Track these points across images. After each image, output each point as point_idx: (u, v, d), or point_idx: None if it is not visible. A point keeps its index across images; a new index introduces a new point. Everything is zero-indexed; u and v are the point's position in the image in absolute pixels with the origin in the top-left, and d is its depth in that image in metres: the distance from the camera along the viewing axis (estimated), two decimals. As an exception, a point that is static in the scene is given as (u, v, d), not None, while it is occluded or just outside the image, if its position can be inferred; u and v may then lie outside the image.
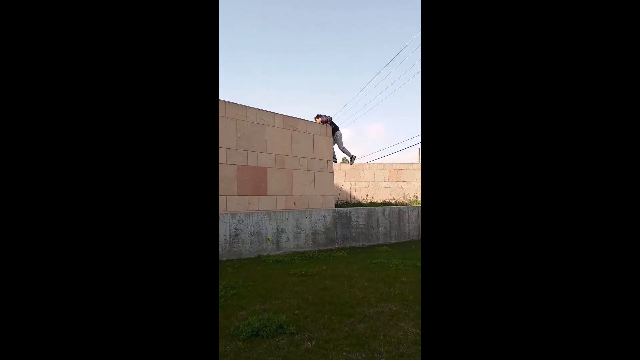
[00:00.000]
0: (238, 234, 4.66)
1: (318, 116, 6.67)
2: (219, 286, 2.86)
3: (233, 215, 4.64)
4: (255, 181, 5.10)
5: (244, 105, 5.11)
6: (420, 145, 13.10)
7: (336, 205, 7.41)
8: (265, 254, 4.82)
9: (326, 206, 6.04)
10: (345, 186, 11.29)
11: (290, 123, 5.66)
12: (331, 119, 6.68)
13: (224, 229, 4.53)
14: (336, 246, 5.61)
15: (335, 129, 6.80)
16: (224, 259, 4.44)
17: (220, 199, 4.69)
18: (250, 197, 5.01)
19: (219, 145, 4.72)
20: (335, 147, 7.02)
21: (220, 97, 4.95)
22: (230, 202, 4.79)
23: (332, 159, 6.52)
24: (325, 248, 5.45)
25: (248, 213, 4.81)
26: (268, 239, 4.94)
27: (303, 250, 5.20)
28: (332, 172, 6.29)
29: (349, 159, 7.40)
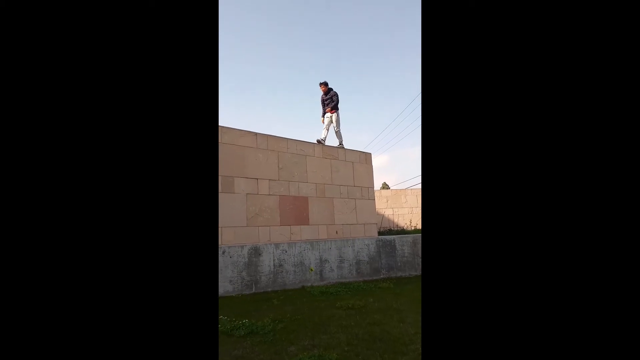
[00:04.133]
0: (282, 264, 4.66)
1: (324, 84, 6.16)
2: (267, 319, 2.84)
3: (277, 245, 4.67)
4: (297, 211, 5.14)
5: (284, 138, 5.28)
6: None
7: (379, 233, 7.23)
8: (309, 284, 4.76)
9: (369, 234, 5.91)
10: (388, 213, 11.05)
11: (330, 152, 5.73)
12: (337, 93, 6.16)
13: (268, 259, 4.57)
14: (381, 276, 5.41)
15: (336, 104, 6.16)
16: (269, 289, 4.44)
17: (264, 229, 4.76)
18: (292, 227, 5.04)
19: (262, 177, 4.86)
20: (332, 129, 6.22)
21: (258, 131, 5.16)
22: (274, 233, 4.84)
23: (340, 145, 6.08)
24: (370, 278, 5.28)
25: (291, 243, 4.83)
26: (311, 270, 4.89)
27: (347, 280, 5.08)
28: (374, 200, 6.20)
29: (337, 143, 6.30)
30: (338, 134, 6.21)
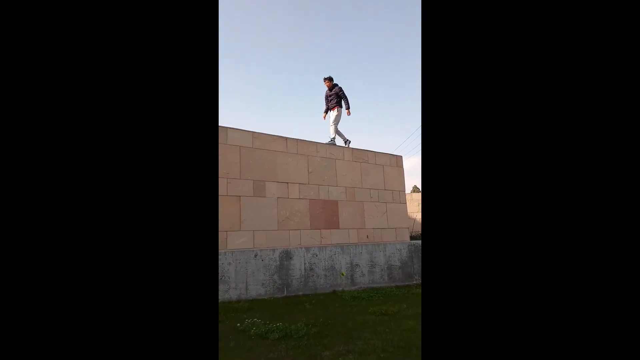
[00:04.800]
0: (312, 268, 4.66)
1: (329, 79, 5.90)
2: (301, 323, 2.84)
3: (307, 249, 4.68)
4: (327, 215, 5.13)
5: (314, 142, 5.30)
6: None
7: (411, 238, 7.08)
8: (340, 289, 4.72)
9: (401, 239, 5.79)
10: (419, 217, 10.80)
11: (359, 155, 5.68)
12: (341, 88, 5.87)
13: (299, 263, 4.58)
14: (414, 282, 5.28)
15: (341, 99, 5.83)
16: (300, 293, 4.44)
17: (294, 233, 4.79)
18: (322, 231, 5.04)
19: (292, 181, 4.90)
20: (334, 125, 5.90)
21: (289, 135, 5.20)
22: (304, 236, 4.86)
23: (331, 141, 5.69)
24: (402, 284, 5.16)
25: (321, 247, 4.82)
26: (342, 274, 4.85)
27: (379, 286, 4.99)
28: (405, 203, 6.08)
29: (343, 142, 5.96)
30: (334, 128, 5.84)
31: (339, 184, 5.35)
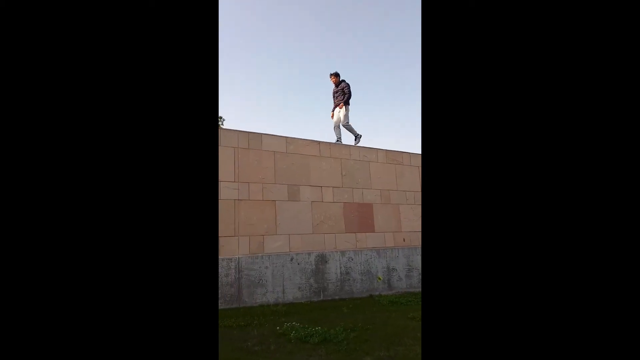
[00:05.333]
0: (348, 272, 4.62)
1: (335, 75, 5.69)
2: (339, 327, 2.82)
3: (342, 253, 4.65)
4: (362, 218, 5.08)
5: (347, 145, 5.28)
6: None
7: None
8: (377, 293, 4.64)
9: (438, 242, 5.60)
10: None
11: (394, 157, 5.59)
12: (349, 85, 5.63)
13: (335, 267, 4.56)
14: (454, 287, 5.08)
15: (349, 97, 5.58)
16: (337, 297, 4.42)
17: (329, 237, 4.78)
18: (358, 234, 4.99)
19: (326, 185, 4.90)
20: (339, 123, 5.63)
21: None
22: (339, 240, 4.83)
23: (338, 141, 5.42)
24: (442, 288, 4.97)
25: (357, 251, 4.77)
26: (379, 278, 4.77)
27: (417, 290, 4.85)
28: (442, 205, 5.88)
29: (354, 138, 5.65)
30: (348, 127, 5.59)
31: (374, 187, 5.28)
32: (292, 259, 4.31)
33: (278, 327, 2.85)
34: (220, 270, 3.86)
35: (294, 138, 4.90)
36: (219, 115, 10.96)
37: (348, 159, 5.20)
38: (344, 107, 5.59)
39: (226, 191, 4.18)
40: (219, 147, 4.26)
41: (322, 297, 4.33)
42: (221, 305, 3.74)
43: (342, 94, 5.62)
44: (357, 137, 5.61)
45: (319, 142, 5.05)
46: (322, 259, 4.48)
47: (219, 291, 3.79)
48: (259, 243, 4.27)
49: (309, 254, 4.43)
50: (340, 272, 4.59)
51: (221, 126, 8.47)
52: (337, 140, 5.53)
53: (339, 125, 5.64)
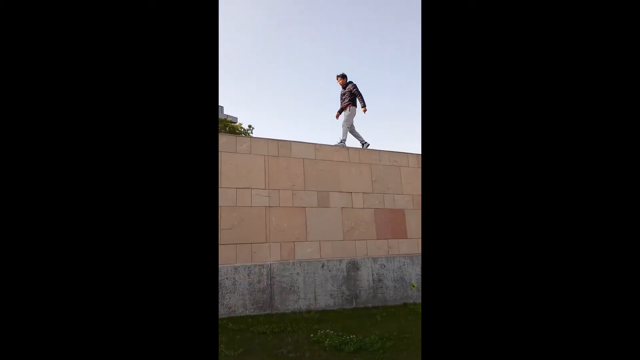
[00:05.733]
0: (381, 279, 4.52)
1: (342, 76, 5.47)
2: (374, 336, 2.75)
3: (374, 259, 4.57)
4: (394, 224, 4.97)
5: (376, 150, 5.22)
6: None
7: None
8: (412, 301, 4.50)
9: (474, 248, 5.37)
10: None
11: (425, 161, 5.45)
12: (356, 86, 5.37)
13: (367, 274, 4.48)
14: (493, 295, 4.83)
15: (354, 97, 5.34)
16: (369, 305, 4.33)
17: (360, 243, 4.71)
18: (390, 241, 4.89)
19: (356, 191, 4.85)
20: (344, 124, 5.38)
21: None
22: (371, 247, 4.76)
23: (341, 142, 5.15)
24: (480, 297, 4.75)
25: (389, 257, 4.67)
26: (413, 286, 4.63)
27: (453, 299, 4.66)
28: (477, 210, 5.65)
29: (360, 145, 5.41)
30: (353, 133, 5.40)
31: (405, 192, 5.17)
32: (323, 266, 4.28)
33: (312, 335, 2.83)
34: (252, 276, 3.90)
35: (323, 145, 4.91)
36: (249, 124, 11.23)
37: (378, 164, 5.13)
38: (349, 108, 5.38)
39: (257, 198, 4.24)
40: (250, 155, 4.35)
41: (354, 305, 4.26)
42: (254, 311, 3.77)
43: (350, 95, 5.41)
44: (364, 144, 5.43)
45: (347, 148, 5.02)
46: (353, 266, 4.42)
47: (252, 297, 3.82)
48: (290, 249, 4.28)
49: (340, 260, 4.38)
50: (373, 279, 4.50)
51: (250, 135, 8.65)
52: (341, 142, 5.30)
53: (347, 128, 5.42)
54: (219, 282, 3.73)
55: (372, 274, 4.52)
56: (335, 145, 5.07)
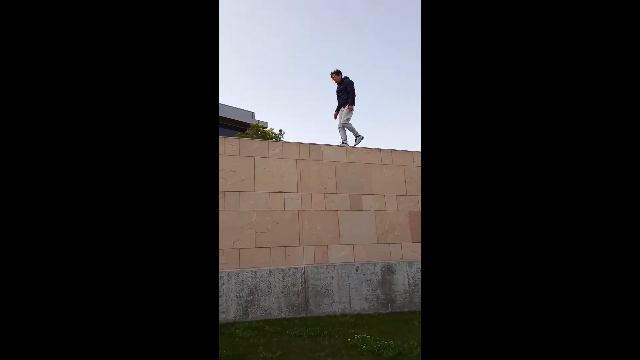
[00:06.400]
0: (417, 284, 4.41)
1: (337, 73, 5.30)
2: (413, 342, 2.68)
3: (410, 263, 4.46)
4: (429, 227, 4.83)
5: (409, 151, 5.12)
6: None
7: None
8: (450, 307, 4.35)
9: (516, 252, 5.11)
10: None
11: (460, 162, 5.27)
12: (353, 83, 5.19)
13: (402, 277, 4.38)
14: (539, 302, 4.56)
15: (350, 96, 5.16)
16: (405, 309, 4.23)
17: (395, 247, 4.62)
18: (425, 244, 4.75)
19: (389, 193, 4.78)
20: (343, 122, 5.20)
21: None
22: (406, 250, 4.65)
23: (343, 143, 5.02)
24: (524, 304, 4.50)
25: (425, 261, 4.54)
26: (451, 291, 4.47)
27: (495, 305, 4.45)
28: (518, 212, 5.37)
29: (354, 139, 5.24)
30: (348, 126, 5.21)
31: (439, 194, 5.01)
32: (357, 269, 4.24)
33: (348, 339, 2.79)
34: (287, 279, 3.93)
35: (354, 147, 4.88)
36: (279, 128, 11.40)
37: (411, 165, 5.03)
38: (347, 106, 5.25)
39: (290, 202, 4.28)
40: (282, 159, 4.40)
41: (389, 309, 4.18)
42: (289, 314, 3.79)
43: (346, 92, 5.26)
44: (358, 137, 5.24)
45: (380, 150, 4.96)
46: (388, 270, 4.34)
47: (287, 300, 3.85)
48: (323, 253, 4.28)
49: (375, 264, 4.32)
50: (409, 283, 4.39)
51: (282, 139, 8.79)
52: (343, 142, 5.21)
53: (343, 126, 5.30)
54: (255, 284, 3.80)
55: (408, 278, 4.42)
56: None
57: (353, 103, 5.26)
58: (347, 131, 5.39)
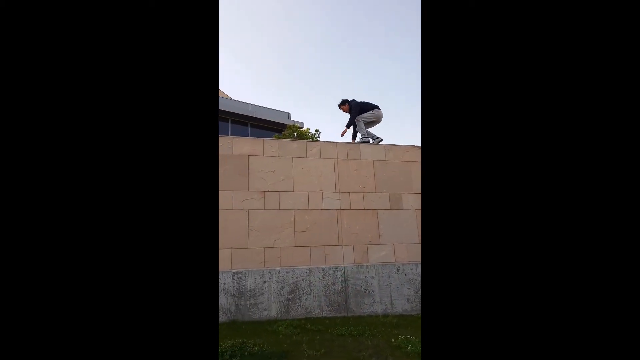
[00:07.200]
0: (461, 286, 4.24)
1: (344, 103, 5.28)
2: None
3: (453, 264, 4.30)
4: (473, 226, 4.63)
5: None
6: None
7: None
8: (498, 310, 4.14)
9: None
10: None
11: (506, 158, 5.00)
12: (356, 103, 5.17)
13: (445, 279, 4.24)
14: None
15: (360, 109, 5.11)
16: (450, 312, 4.08)
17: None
18: (469, 244, 4.56)
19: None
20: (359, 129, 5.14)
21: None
22: (448, 250, 4.49)
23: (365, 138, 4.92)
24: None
25: (470, 262, 4.36)
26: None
27: (548, 309, 4.17)
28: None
29: (371, 141, 5.08)
30: (362, 131, 5.14)
31: (484, 192, 4.79)
32: (398, 270, 4.16)
33: (392, 340, 2.75)
34: (327, 278, 3.95)
35: (393, 145, 4.80)
36: (316, 128, 11.48)
37: (452, 162, 4.85)
38: (356, 123, 5.20)
39: (328, 201, 4.29)
40: (320, 159, 4.42)
41: (433, 311, 4.05)
42: (329, 312, 3.81)
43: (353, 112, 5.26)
44: (375, 139, 5.13)
45: (419, 147, 4.83)
46: (430, 270, 4.22)
47: (327, 298, 3.86)
48: (363, 252, 4.24)
49: (417, 264, 4.21)
50: (452, 285, 4.23)
51: (318, 139, 8.83)
52: (375, 139, 5.11)
53: (360, 121, 5.21)
54: (295, 283, 3.85)
55: (451, 279, 4.26)
56: (358, 142, 4.91)
57: (348, 125, 5.23)
58: (367, 128, 5.27)
